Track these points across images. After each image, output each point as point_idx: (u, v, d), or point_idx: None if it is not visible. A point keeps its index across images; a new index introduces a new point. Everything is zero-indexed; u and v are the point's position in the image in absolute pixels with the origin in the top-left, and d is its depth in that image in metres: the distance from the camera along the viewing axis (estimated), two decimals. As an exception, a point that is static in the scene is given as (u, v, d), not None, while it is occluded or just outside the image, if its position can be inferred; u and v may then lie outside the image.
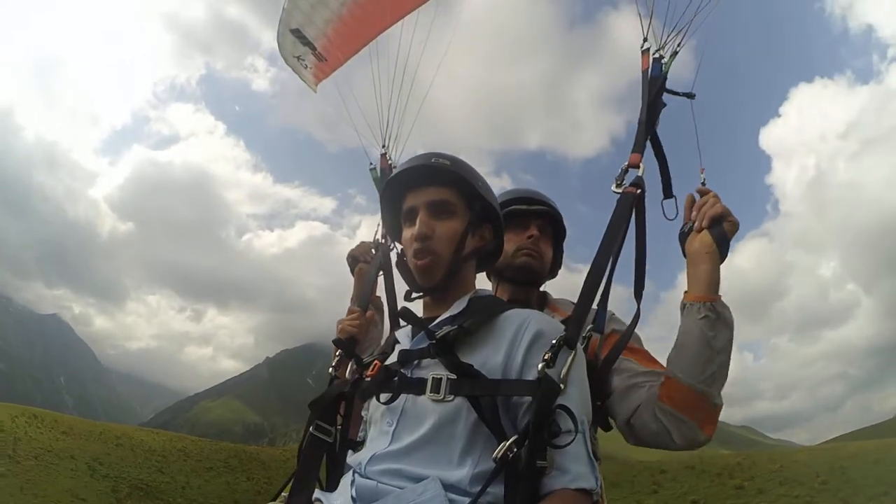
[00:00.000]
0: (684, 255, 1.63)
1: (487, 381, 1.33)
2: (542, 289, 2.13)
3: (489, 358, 1.37)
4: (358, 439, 1.63)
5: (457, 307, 1.56)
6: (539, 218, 2.05)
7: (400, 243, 1.71)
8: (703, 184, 1.68)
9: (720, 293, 1.55)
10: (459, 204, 1.58)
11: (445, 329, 1.41)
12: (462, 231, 1.56)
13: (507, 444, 1.22)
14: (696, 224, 1.60)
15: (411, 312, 1.57)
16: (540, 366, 1.30)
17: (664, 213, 1.71)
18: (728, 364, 1.53)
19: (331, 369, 1.86)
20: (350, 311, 2.05)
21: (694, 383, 1.50)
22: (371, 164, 2.57)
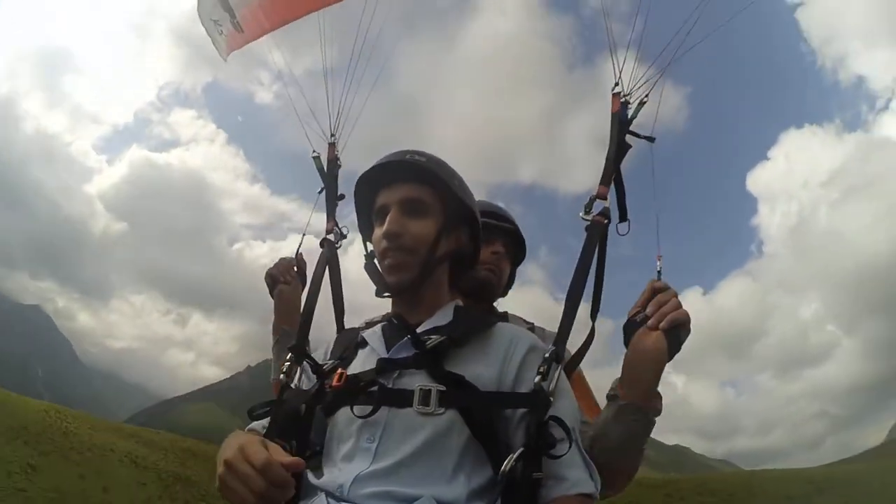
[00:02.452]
0: (625, 344, 1.50)
1: (481, 393, 1.29)
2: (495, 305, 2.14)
3: (482, 372, 1.33)
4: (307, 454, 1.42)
5: (443, 316, 1.49)
6: (505, 235, 2.08)
7: (370, 242, 1.62)
8: (660, 272, 1.57)
9: (657, 395, 1.48)
10: (434, 203, 1.50)
11: (435, 339, 1.36)
12: (436, 231, 1.48)
13: (513, 457, 1.20)
14: (651, 321, 1.44)
15: (402, 318, 1.50)
16: (536, 379, 1.30)
17: (617, 230, 1.69)
18: (643, 450, 1.53)
19: (282, 376, 1.59)
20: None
21: (611, 464, 1.45)
22: (315, 151, 2.30)
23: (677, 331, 1.43)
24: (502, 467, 1.20)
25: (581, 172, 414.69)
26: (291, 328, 2.01)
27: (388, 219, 1.48)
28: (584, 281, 1.57)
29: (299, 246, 2.25)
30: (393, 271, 1.48)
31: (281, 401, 1.50)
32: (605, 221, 1.65)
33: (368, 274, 1.62)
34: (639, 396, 1.45)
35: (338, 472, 1.30)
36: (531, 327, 2.01)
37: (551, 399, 1.30)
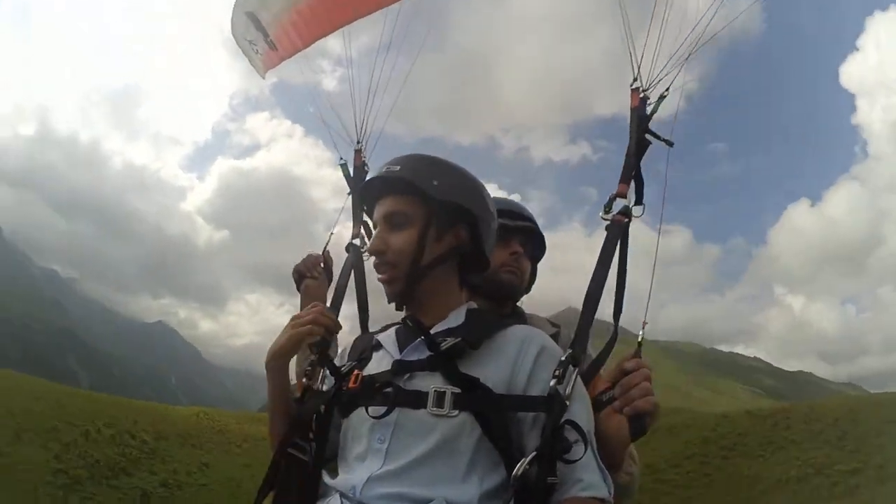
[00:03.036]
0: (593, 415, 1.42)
1: (496, 396, 1.29)
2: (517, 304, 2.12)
3: (493, 373, 1.33)
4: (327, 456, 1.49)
5: (455, 319, 1.50)
6: (521, 234, 2.05)
7: None
8: (641, 342, 1.53)
9: (627, 462, 1.55)
10: (416, 211, 1.48)
11: (450, 341, 1.35)
12: (417, 239, 1.46)
13: (527, 460, 1.19)
14: (616, 404, 1.43)
15: (416, 319, 1.50)
16: (552, 382, 1.29)
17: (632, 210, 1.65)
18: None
19: (304, 379, 1.61)
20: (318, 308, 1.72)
21: None
22: (341, 158, 2.30)
23: (642, 421, 1.38)
24: (514, 471, 1.18)
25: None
26: None
27: (373, 236, 1.53)
28: (604, 282, 1.54)
29: (326, 243, 2.25)
30: (384, 285, 1.51)
31: (303, 401, 1.56)
32: (626, 220, 1.63)
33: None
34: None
35: (351, 473, 1.34)
36: (557, 332, 1.95)
37: (567, 403, 1.27)
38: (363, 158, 2.28)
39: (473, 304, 1.61)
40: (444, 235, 1.51)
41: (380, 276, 1.51)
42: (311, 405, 1.53)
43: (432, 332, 1.43)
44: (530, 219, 2.12)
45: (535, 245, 2.14)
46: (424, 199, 1.49)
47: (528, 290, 2.15)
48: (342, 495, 1.30)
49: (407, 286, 1.48)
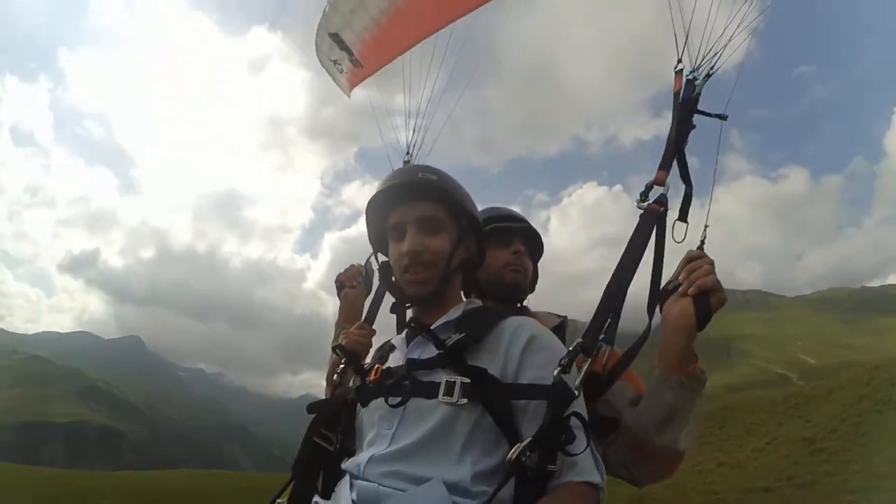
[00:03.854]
0: (659, 311, 1.55)
1: (502, 385, 1.34)
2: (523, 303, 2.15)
3: (489, 364, 1.38)
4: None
5: (453, 313, 1.58)
6: (521, 234, 2.10)
7: (384, 256, 1.73)
8: (703, 242, 1.58)
9: (694, 360, 1.50)
10: (446, 218, 1.58)
11: (455, 337, 1.42)
12: (450, 246, 1.57)
13: (522, 446, 1.20)
14: (682, 288, 1.50)
15: (415, 318, 1.62)
16: (556, 371, 1.30)
17: (672, 235, 1.63)
18: (696, 424, 1.52)
19: (335, 377, 1.80)
20: (359, 326, 2.03)
21: (660, 443, 1.49)
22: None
23: (706, 297, 1.46)
24: (508, 455, 1.21)
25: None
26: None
27: (407, 237, 1.56)
28: (630, 273, 1.54)
29: (369, 256, 2.26)
30: (415, 285, 1.57)
31: (332, 397, 1.71)
32: (662, 210, 1.62)
33: (386, 286, 1.76)
34: (672, 365, 1.47)
35: (361, 455, 1.43)
36: (562, 322, 1.96)
37: (576, 393, 1.30)
38: None
39: (478, 302, 1.71)
40: (463, 245, 1.63)
41: (410, 276, 1.57)
42: (338, 397, 1.66)
43: (434, 326, 1.54)
44: (527, 221, 2.18)
45: (534, 245, 2.19)
46: (454, 211, 1.61)
47: (531, 288, 2.18)
48: (351, 475, 1.40)
49: (438, 288, 1.57)
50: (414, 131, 2.41)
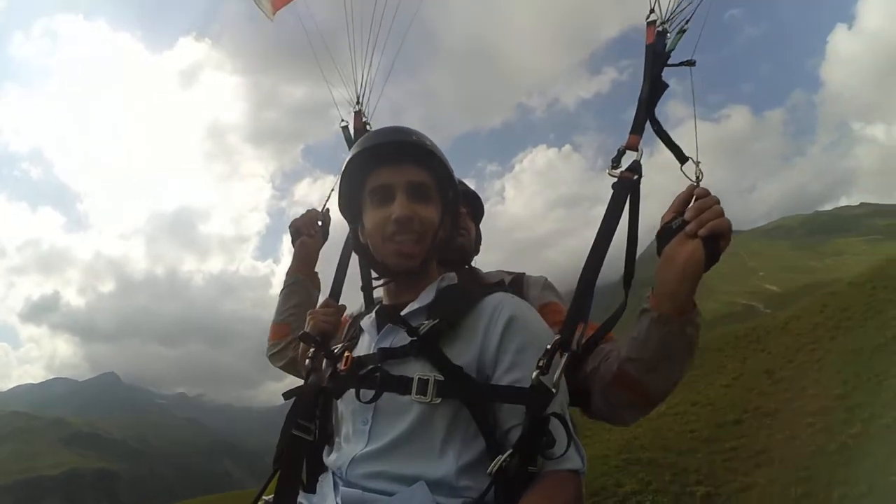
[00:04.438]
0: (658, 253, 1.38)
1: (478, 385, 1.28)
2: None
3: (465, 351, 1.32)
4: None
5: (426, 296, 1.46)
6: (463, 197, 1.88)
7: (354, 221, 1.59)
8: (699, 179, 1.43)
9: (694, 305, 1.36)
10: (435, 188, 1.48)
11: (427, 324, 1.34)
12: (439, 217, 1.48)
13: (503, 457, 1.19)
14: (690, 227, 1.33)
15: (388, 308, 1.51)
16: (534, 373, 1.24)
17: (686, 177, 1.44)
18: (687, 364, 1.42)
19: (307, 362, 1.62)
20: (325, 304, 1.81)
21: (650, 381, 1.42)
22: (343, 121, 2.23)
23: (716, 241, 1.31)
24: (490, 466, 1.19)
25: None
26: (305, 276, 2.23)
27: (397, 201, 1.43)
28: (605, 250, 1.43)
29: (326, 200, 2.23)
30: (400, 257, 1.44)
31: (306, 385, 1.56)
32: (635, 177, 1.49)
33: (360, 254, 1.64)
34: (673, 310, 1.34)
35: (339, 453, 1.39)
36: (516, 277, 1.91)
37: (554, 391, 1.23)
38: (364, 119, 2.23)
39: (451, 277, 1.58)
40: (447, 220, 1.54)
41: (395, 246, 1.44)
42: (312, 387, 1.53)
43: (405, 311, 1.44)
44: (464, 184, 2.06)
45: (475, 207, 2.16)
46: (441, 182, 1.50)
47: (476, 251, 2.14)
48: (334, 474, 1.37)
49: (423, 261, 1.47)
50: (363, 76, 2.21)
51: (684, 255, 1.33)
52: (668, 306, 1.36)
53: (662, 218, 1.42)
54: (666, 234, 1.39)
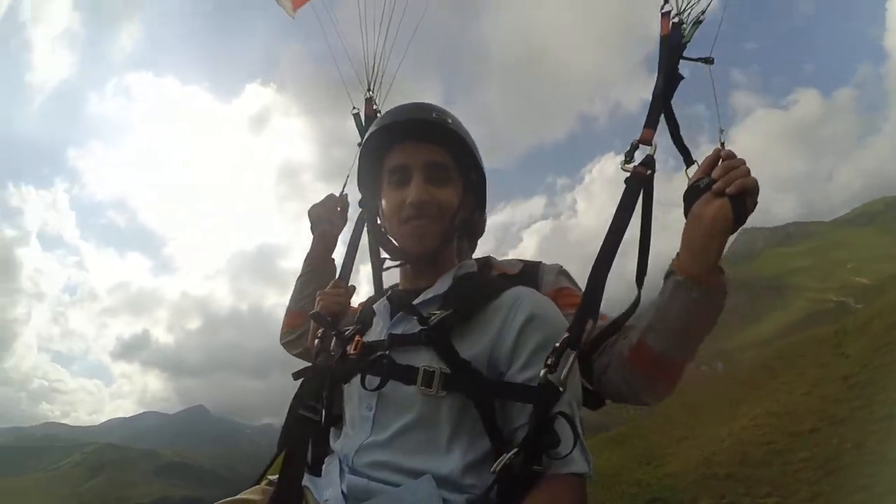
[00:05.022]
0: (685, 214, 1.35)
1: (485, 382, 1.26)
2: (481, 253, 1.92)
3: (476, 342, 1.29)
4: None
5: (441, 285, 1.43)
6: None
7: (372, 201, 1.59)
8: (723, 145, 1.40)
9: (722, 272, 1.31)
10: (454, 169, 1.45)
11: (439, 314, 1.31)
12: (458, 200, 1.45)
13: (508, 455, 1.15)
14: (717, 185, 1.29)
15: (401, 294, 1.49)
16: (542, 371, 1.21)
17: (689, 179, 1.40)
18: (705, 335, 1.36)
19: (316, 342, 1.58)
20: (335, 285, 1.72)
21: (670, 353, 1.35)
22: (354, 108, 2.18)
23: (744, 199, 1.27)
24: (495, 465, 1.16)
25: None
26: (323, 263, 2.11)
27: (413, 184, 1.41)
28: (616, 246, 1.38)
29: (344, 186, 2.15)
30: (415, 240, 1.43)
31: (315, 366, 1.52)
32: (648, 173, 1.44)
33: (375, 237, 1.62)
34: (700, 272, 1.29)
35: (345, 439, 1.38)
36: (526, 266, 1.77)
37: (561, 390, 1.20)
38: (375, 107, 2.18)
39: (471, 265, 1.56)
40: (467, 202, 1.51)
41: (411, 228, 1.42)
42: (320, 368, 1.49)
43: (418, 300, 1.41)
44: None
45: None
46: (465, 160, 1.47)
47: (481, 232, 2.06)
48: (340, 461, 1.35)
49: (439, 246, 1.44)
50: (375, 61, 2.15)
51: (712, 211, 1.29)
52: (695, 268, 1.31)
53: (690, 179, 1.40)
54: (693, 193, 1.36)
